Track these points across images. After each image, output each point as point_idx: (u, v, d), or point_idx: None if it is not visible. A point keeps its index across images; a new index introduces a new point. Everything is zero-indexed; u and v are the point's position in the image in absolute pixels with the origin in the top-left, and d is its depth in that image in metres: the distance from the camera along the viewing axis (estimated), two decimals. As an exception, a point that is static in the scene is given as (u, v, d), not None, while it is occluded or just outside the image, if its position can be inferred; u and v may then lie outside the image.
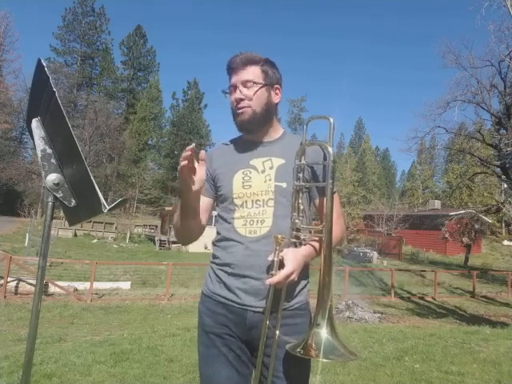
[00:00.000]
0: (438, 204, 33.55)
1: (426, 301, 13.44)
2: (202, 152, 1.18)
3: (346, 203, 31.97)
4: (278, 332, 1.17)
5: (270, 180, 1.28)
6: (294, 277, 1.14)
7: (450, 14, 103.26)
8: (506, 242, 32.14)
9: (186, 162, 1.13)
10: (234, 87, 1.31)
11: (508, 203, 14.65)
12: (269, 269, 1.16)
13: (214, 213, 1.44)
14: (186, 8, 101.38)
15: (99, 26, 48.41)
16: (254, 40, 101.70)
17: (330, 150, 1.23)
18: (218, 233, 1.35)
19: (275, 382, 1.20)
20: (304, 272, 1.26)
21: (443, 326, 8.37)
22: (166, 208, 30.93)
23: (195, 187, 1.19)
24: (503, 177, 13.63)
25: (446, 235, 24.18)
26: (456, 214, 23.32)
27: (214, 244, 1.36)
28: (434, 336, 5.61)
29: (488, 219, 25.40)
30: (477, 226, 24.03)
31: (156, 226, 33.12)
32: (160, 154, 48.54)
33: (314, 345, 1.07)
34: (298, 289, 1.27)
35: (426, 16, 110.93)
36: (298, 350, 1.07)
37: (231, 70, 1.33)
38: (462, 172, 27.31)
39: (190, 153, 1.13)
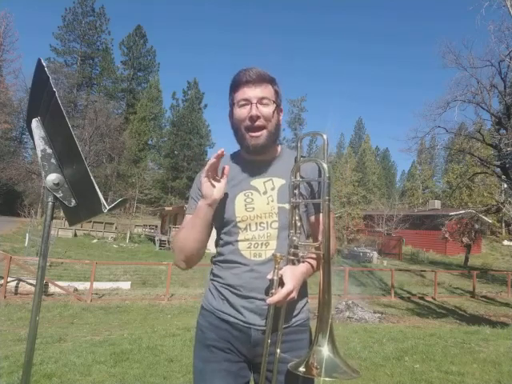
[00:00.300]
0: (438, 204, 33.55)
1: (426, 301, 13.44)
2: (227, 168, 1.18)
3: (345, 203, 31.98)
4: (278, 350, 1.17)
5: (272, 201, 1.26)
6: (293, 295, 1.14)
7: (450, 14, 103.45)
8: (506, 242, 32.15)
9: (215, 161, 1.17)
10: (248, 102, 1.24)
11: (508, 203, 14.65)
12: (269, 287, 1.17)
13: None
14: (186, 8, 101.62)
15: (99, 26, 48.46)
16: (255, 40, 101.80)
17: (325, 166, 1.21)
18: (219, 253, 1.33)
19: None
20: (303, 289, 1.26)
21: (443, 325, 8.37)
22: (166, 208, 30.91)
23: (216, 195, 1.21)
24: (503, 177, 13.62)
25: (446, 235, 24.19)
26: (456, 214, 23.33)
27: (214, 263, 1.34)
28: (433, 336, 5.61)
29: (488, 219, 25.41)
30: (477, 226, 24.04)
31: (156, 226, 33.13)
32: (160, 154, 48.55)
33: (315, 363, 1.07)
34: (299, 307, 1.27)
35: (426, 16, 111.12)
36: (300, 369, 1.08)
37: (243, 83, 1.25)
38: (462, 172, 27.32)
39: (220, 152, 1.16)
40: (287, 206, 1.25)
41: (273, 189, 1.28)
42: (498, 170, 14.37)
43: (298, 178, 1.26)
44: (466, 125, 15.57)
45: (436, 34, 79.68)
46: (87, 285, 10.67)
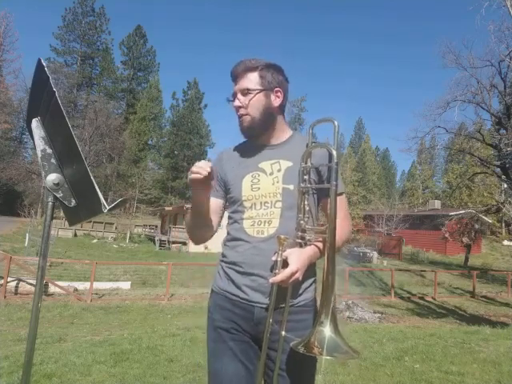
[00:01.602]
0: (438, 204, 33.53)
1: (426, 301, 13.44)
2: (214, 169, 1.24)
3: (345, 203, 31.90)
4: (283, 332, 1.21)
5: (277, 182, 1.32)
6: (298, 276, 1.17)
7: (450, 14, 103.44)
8: (506, 242, 32.14)
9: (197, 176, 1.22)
10: (234, 95, 1.36)
11: (508, 203, 14.65)
12: (273, 268, 1.20)
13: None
14: (186, 8, 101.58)
15: (99, 26, 48.45)
16: (255, 40, 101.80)
17: (334, 151, 1.25)
18: (228, 233, 1.40)
19: (282, 375, 1.24)
20: (311, 270, 1.30)
21: (443, 325, 8.37)
22: (166, 208, 30.91)
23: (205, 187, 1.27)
24: (503, 177, 13.63)
25: (446, 235, 24.19)
26: (456, 214, 23.33)
27: (224, 244, 1.41)
28: (434, 336, 5.60)
29: (488, 219, 25.40)
30: (477, 226, 24.04)
31: (156, 226, 33.12)
32: (160, 154, 48.54)
33: (316, 342, 1.09)
34: (304, 286, 1.30)
35: (426, 16, 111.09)
36: (301, 347, 1.10)
37: (233, 79, 1.38)
38: (461, 172, 27.31)
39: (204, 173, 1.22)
40: (292, 187, 1.30)
41: (279, 170, 1.34)
42: (498, 170, 14.38)
43: (309, 164, 1.30)
44: (466, 125, 15.59)
45: (436, 34, 79.69)
46: (87, 285, 10.67)
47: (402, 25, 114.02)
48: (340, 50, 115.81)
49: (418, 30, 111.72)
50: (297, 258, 1.18)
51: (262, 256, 1.25)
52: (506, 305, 13.22)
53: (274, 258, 1.19)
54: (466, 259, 25.07)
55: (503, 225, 32.82)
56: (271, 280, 1.16)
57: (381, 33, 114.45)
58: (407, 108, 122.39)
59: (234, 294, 1.30)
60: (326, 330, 1.11)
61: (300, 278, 1.19)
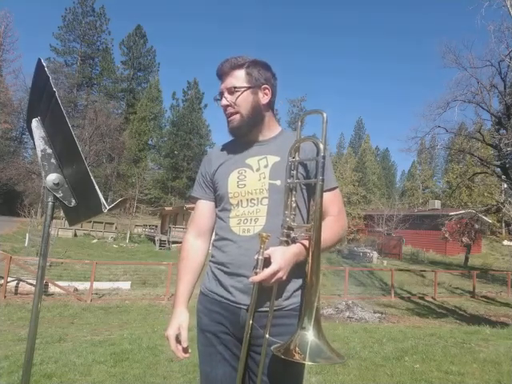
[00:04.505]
0: (438, 204, 33.47)
1: (426, 301, 13.44)
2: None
3: (346, 203, 31.96)
4: (267, 335, 1.15)
5: (264, 178, 1.27)
6: (281, 275, 1.10)
7: (450, 13, 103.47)
8: (505, 242, 32.10)
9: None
10: (221, 94, 1.32)
11: (508, 203, 14.64)
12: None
13: None
14: (187, 8, 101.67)
15: (99, 26, 48.39)
16: (255, 40, 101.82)
17: (321, 145, 1.20)
18: (216, 233, 1.36)
19: (265, 380, 1.18)
20: (299, 271, 1.22)
21: (443, 326, 8.38)
22: (166, 208, 30.91)
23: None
24: (503, 177, 13.64)
25: (446, 235, 24.20)
26: (456, 214, 23.31)
27: (212, 244, 1.38)
28: (433, 336, 5.60)
29: (488, 219, 25.41)
30: (477, 226, 24.04)
31: (156, 226, 33.11)
32: (160, 154, 48.49)
33: (297, 348, 1.03)
34: (292, 289, 1.23)
35: (426, 16, 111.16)
36: (284, 352, 1.04)
37: (218, 77, 1.35)
38: (461, 172, 27.29)
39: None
40: (279, 182, 1.25)
41: (266, 166, 1.29)
42: (498, 169, 14.39)
43: (297, 158, 1.25)
44: (466, 125, 15.65)
45: (436, 34, 79.90)
46: (87, 285, 10.66)
47: (402, 24, 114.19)
48: (340, 50, 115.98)
49: (417, 29, 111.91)
50: (280, 257, 1.11)
51: (248, 256, 1.19)
52: (506, 305, 13.22)
53: (255, 257, 1.13)
54: (466, 259, 25.07)
55: (503, 225, 32.81)
56: (250, 279, 1.10)
57: (381, 32, 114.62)
58: (407, 108, 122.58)
59: (221, 296, 1.26)
60: (309, 335, 1.04)
61: (284, 278, 1.12)
